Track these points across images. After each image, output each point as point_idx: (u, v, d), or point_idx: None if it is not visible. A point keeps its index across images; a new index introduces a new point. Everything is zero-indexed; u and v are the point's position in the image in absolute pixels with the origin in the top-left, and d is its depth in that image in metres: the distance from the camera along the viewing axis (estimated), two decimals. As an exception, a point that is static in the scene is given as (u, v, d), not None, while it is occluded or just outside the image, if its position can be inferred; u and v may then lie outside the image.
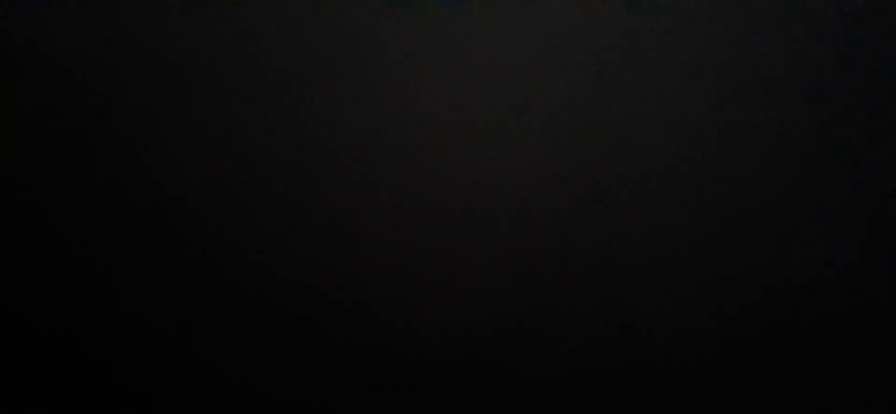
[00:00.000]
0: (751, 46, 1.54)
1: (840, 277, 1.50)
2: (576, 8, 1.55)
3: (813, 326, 1.50)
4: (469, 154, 1.54)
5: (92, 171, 1.57)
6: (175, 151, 1.56)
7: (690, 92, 1.54)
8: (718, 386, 1.51)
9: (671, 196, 1.52)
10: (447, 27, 1.56)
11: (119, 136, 1.56)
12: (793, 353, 1.50)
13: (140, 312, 1.55)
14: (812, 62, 1.54)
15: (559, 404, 1.51)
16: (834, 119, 1.53)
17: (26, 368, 1.54)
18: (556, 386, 1.52)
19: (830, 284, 1.50)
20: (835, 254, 1.51)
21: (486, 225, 1.54)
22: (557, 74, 1.54)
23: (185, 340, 1.54)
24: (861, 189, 1.51)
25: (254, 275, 1.54)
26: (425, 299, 1.53)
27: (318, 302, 1.54)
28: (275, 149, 1.56)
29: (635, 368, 1.51)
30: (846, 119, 1.52)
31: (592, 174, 1.53)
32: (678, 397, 1.51)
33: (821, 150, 1.52)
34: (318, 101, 1.56)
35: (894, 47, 1.53)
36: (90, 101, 1.57)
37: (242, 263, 1.55)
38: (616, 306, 1.52)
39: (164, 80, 1.57)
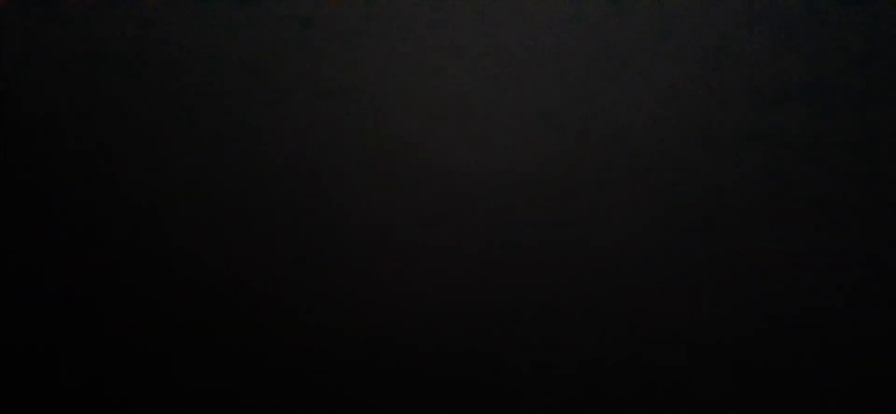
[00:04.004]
0: (745, 45, 1.54)
1: (839, 278, 1.50)
2: (565, 5, 1.55)
3: (810, 328, 1.50)
4: (456, 154, 1.54)
5: (63, 173, 1.57)
6: (157, 157, 1.56)
7: (685, 90, 1.54)
8: (716, 390, 1.50)
9: (665, 196, 1.52)
10: (432, 24, 1.56)
11: (92, 141, 1.57)
12: (791, 354, 1.50)
13: (118, 320, 1.55)
14: (809, 61, 1.54)
15: (541, 406, 1.51)
16: (832, 119, 1.53)
17: (20, 370, 1.55)
18: (537, 397, 1.52)
19: (828, 285, 1.50)
20: (833, 255, 1.51)
21: (474, 226, 1.54)
22: (546, 73, 1.54)
23: (164, 348, 1.54)
24: (861, 190, 1.51)
25: (236, 278, 1.55)
26: (410, 303, 1.53)
27: (299, 307, 1.54)
28: (255, 151, 1.56)
29: (628, 373, 1.51)
30: (845, 118, 1.52)
31: (582, 174, 1.53)
32: (673, 403, 1.50)
33: (818, 150, 1.52)
34: (302, 101, 1.56)
35: (894, 47, 1.53)
36: (62, 102, 1.58)
37: (224, 267, 1.55)
38: (608, 309, 1.52)
39: (147, 84, 1.58)
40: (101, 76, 1.58)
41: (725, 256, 1.51)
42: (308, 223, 1.55)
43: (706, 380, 1.50)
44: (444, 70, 1.55)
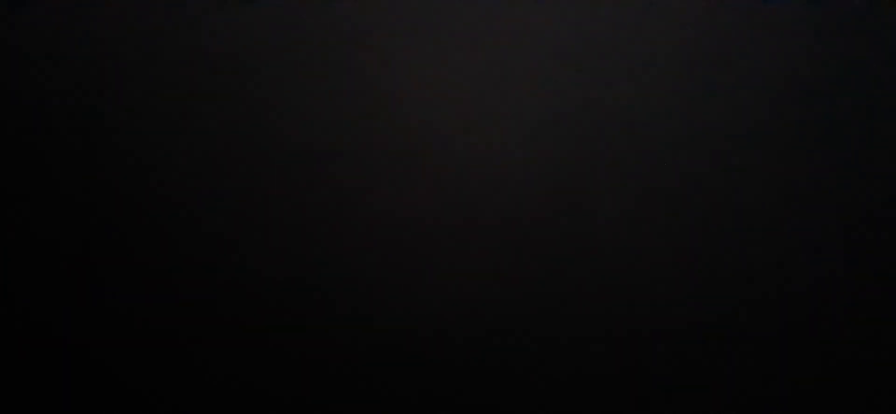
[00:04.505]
0: (745, 43, 1.54)
1: (837, 277, 1.50)
2: (573, 3, 1.55)
3: (810, 328, 1.50)
4: (457, 153, 1.54)
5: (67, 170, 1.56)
6: (158, 154, 1.56)
7: (685, 89, 1.53)
8: (715, 390, 1.51)
9: (665, 196, 1.52)
10: (434, 24, 1.56)
11: (97, 137, 1.56)
12: (789, 355, 1.51)
13: (122, 314, 1.55)
14: (810, 61, 1.54)
15: (551, 408, 1.51)
16: (829, 118, 1.53)
17: (20, 370, 1.54)
18: (548, 390, 1.52)
19: (827, 285, 1.51)
20: (831, 255, 1.51)
21: (474, 226, 1.53)
22: (549, 72, 1.54)
23: (167, 341, 1.54)
24: (858, 189, 1.51)
25: (239, 276, 1.54)
26: (412, 301, 1.53)
27: (302, 304, 1.54)
28: (258, 150, 1.56)
29: (629, 372, 1.51)
30: (842, 118, 1.52)
31: (585, 173, 1.53)
32: (673, 402, 1.51)
33: (816, 149, 1.52)
34: (302, 101, 1.56)
35: (894, 46, 1.53)
36: (65, 100, 1.57)
37: (226, 263, 1.54)
38: (607, 309, 1.52)
39: (146, 82, 1.57)
40: (104, 74, 1.58)
41: (727, 254, 1.51)
42: (318, 216, 1.55)
43: (708, 374, 1.50)
44: (455, 65, 1.55)
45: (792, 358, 1.50)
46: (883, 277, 1.50)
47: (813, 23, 1.53)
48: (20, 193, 1.56)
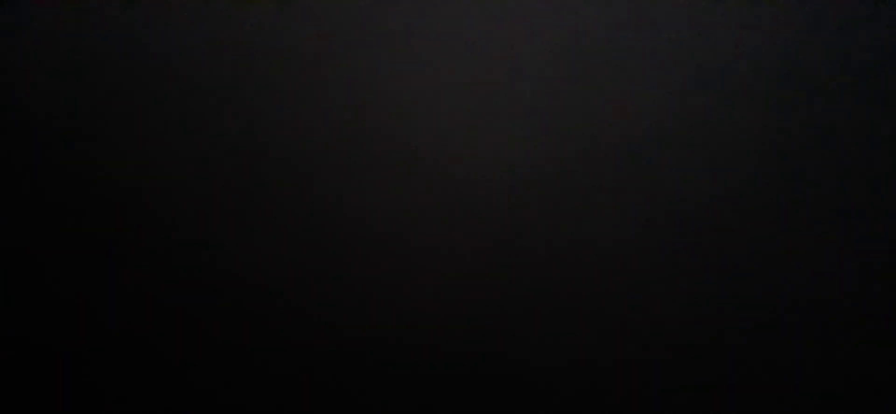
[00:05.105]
0: (736, 40, 1.53)
1: (835, 277, 1.50)
2: (571, 8, 1.55)
3: (811, 328, 1.50)
4: (462, 156, 1.54)
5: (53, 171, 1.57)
6: (152, 152, 1.56)
7: (688, 93, 1.53)
8: (712, 391, 1.50)
9: (669, 198, 1.52)
10: (424, 20, 1.56)
11: (89, 141, 1.57)
12: (788, 355, 1.50)
13: (119, 321, 1.55)
14: (810, 62, 1.53)
15: (545, 408, 1.51)
16: (832, 119, 1.52)
17: (14, 372, 1.55)
18: (546, 395, 1.52)
19: (825, 286, 1.50)
20: (828, 254, 1.50)
21: (480, 228, 1.53)
22: (551, 76, 1.54)
23: (159, 344, 1.54)
24: (861, 190, 1.51)
25: (231, 277, 1.54)
26: (415, 304, 1.53)
27: (302, 310, 1.54)
28: (249, 147, 1.56)
29: (623, 373, 1.51)
30: (845, 119, 1.52)
31: (587, 176, 1.53)
32: (669, 404, 1.50)
33: (819, 150, 1.52)
34: (291, 98, 1.56)
35: (893, 45, 1.52)
36: (48, 100, 1.58)
37: (225, 270, 1.55)
38: (613, 310, 1.52)
39: (142, 79, 1.57)
40: (99, 76, 1.58)
41: (728, 257, 1.51)
42: (311, 226, 1.55)
43: (707, 380, 1.50)
44: (449, 73, 1.55)
45: (792, 360, 1.50)
46: (884, 279, 1.49)
47: (813, 22, 1.53)
48: (16, 193, 1.57)
